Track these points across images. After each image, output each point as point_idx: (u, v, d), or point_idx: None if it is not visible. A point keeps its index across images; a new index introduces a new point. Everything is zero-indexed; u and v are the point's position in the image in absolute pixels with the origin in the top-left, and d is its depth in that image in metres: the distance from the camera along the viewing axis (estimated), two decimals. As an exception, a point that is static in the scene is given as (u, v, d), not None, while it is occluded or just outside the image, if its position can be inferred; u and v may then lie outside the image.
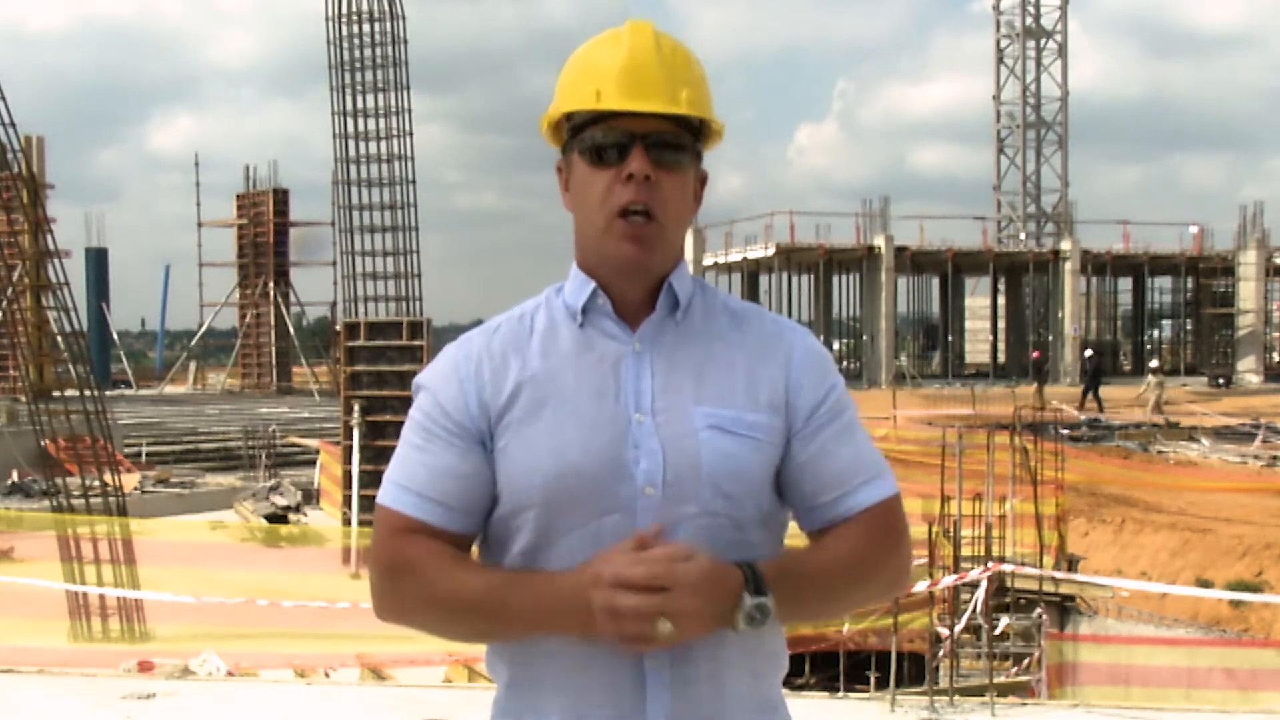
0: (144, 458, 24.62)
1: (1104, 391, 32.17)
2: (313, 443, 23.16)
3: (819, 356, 1.65)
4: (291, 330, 50.58)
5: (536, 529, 1.55)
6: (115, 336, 56.01)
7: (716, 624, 1.48)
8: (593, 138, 1.56)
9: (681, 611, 1.43)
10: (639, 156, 1.54)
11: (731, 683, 1.57)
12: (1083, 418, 27.31)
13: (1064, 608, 10.72)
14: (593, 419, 1.54)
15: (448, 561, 1.55)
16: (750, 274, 50.38)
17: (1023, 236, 53.89)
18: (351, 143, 41.89)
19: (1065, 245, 48.77)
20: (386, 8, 41.70)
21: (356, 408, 15.65)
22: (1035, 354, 41.02)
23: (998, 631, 9.29)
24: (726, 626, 1.48)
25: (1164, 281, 56.61)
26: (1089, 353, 37.32)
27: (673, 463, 1.53)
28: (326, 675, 9.01)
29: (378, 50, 41.54)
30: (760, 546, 1.59)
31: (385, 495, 1.60)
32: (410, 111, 41.35)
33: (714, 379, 1.58)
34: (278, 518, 18.73)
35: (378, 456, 14.93)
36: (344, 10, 41.83)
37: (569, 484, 1.52)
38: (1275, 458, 22.89)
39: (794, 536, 1.69)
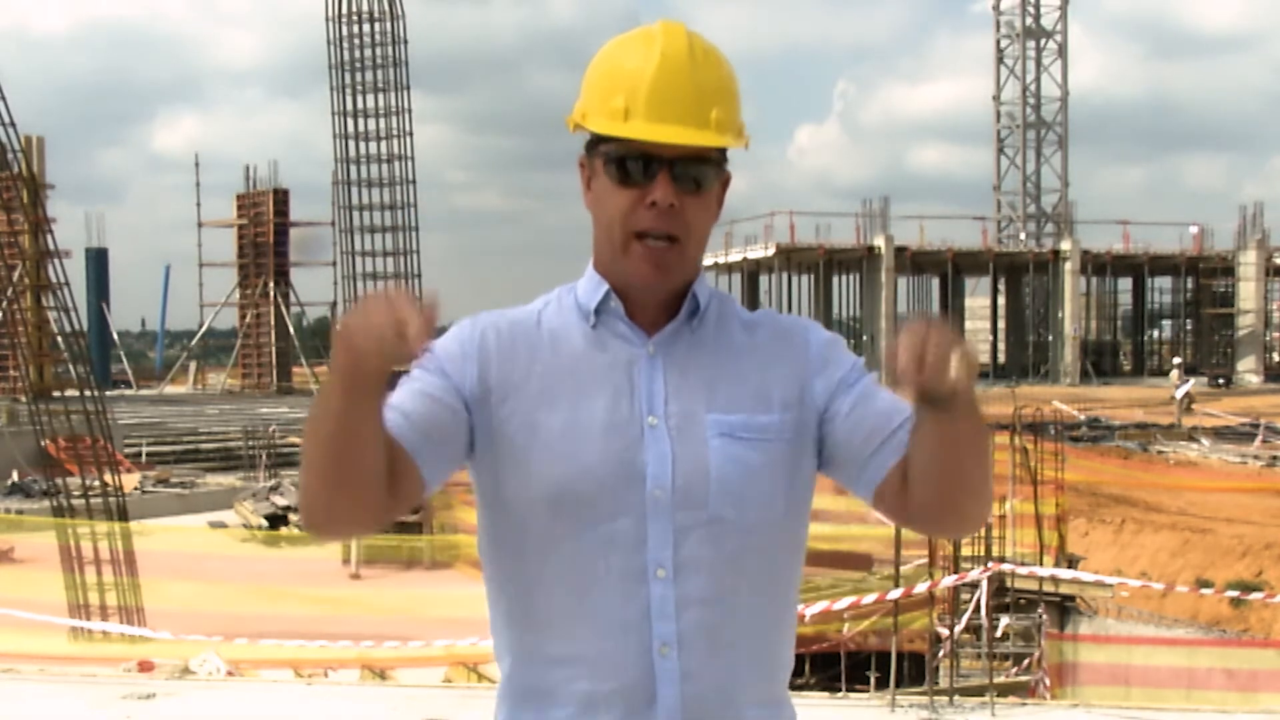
0: (144, 458, 24.65)
1: None
2: (313, 443, 23.15)
3: (832, 339, 1.66)
4: (291, 330, 50.61)
5: (546, 528, 1.53)
6: (115, 336, 56.11)
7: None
8: (617, 153, 1.53)
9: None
10: (664, 185, 1.51)
11: (741, 680, 1.56)
12: (1082, 417, 27.31)
13: (1064, 608, 10.73)
14: (607, 420, 1.53)
15: None
16: (750, 274, 50.42)
17: (1023, 236, 53.93)
18: (352, 143, 41.93)
19: (1065, 245, 48.80)
20: (386, 8, 41.73)
21: (356, 408, 15.65)
22: None
23: (998, 632, 9.30)
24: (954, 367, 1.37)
25: (1164, 281, 56.69)
26: None
27: (682, 467, 1.53)
28: (326, 675, 9.02)
29: (378, 50, 41.60)
30: (772, 553, 1.58)
31: None
32: (410, 111, 41.38)
33: (725, 385, 1.58)
34: (278, 518, 18.76)
35: (378, 456, 14.93)
36: (344, 10, 41.88)
37: (580, 483, 1.51)
38: (1275, 458, 22.92)
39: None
